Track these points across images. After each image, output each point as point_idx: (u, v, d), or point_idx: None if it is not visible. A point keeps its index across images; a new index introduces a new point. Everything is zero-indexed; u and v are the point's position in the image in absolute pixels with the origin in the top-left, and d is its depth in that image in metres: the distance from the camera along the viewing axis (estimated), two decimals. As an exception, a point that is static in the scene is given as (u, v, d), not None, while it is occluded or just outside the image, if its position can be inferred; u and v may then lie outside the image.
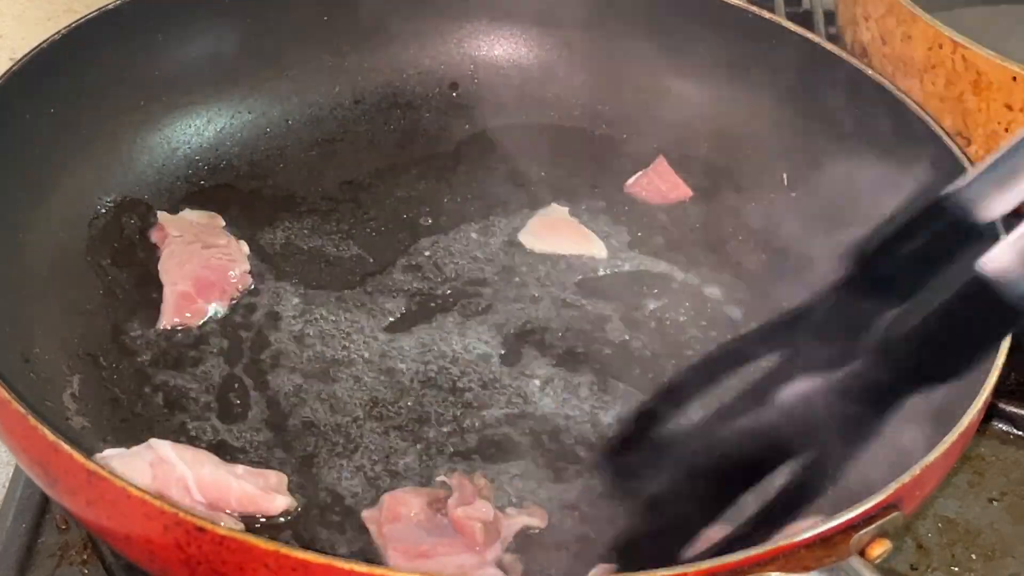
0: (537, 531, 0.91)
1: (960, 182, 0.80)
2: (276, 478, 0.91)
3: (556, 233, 1.12)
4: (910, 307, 0.78)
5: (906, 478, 0.80)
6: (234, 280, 1.04)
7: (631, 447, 0.89)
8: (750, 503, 0.80)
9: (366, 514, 0.90)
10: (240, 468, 0.91)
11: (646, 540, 0.83)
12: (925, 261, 0.79)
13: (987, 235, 0.78)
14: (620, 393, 1.01)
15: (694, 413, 0.86)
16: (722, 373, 0.86)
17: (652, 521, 0.83)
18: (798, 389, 0.80)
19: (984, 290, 0.73)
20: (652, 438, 0.86)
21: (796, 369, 0.80)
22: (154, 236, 1.07)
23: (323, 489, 0.92)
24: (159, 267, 1.04)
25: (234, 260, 1.05)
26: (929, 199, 0.80)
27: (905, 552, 0.97)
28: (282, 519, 0.89)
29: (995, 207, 0.79)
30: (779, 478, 0.79)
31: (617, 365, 1.03)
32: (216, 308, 1.03)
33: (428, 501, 0.90)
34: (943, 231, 0.79)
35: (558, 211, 1.14)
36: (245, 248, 1.07)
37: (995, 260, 0.73)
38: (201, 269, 1.04)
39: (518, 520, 0.90)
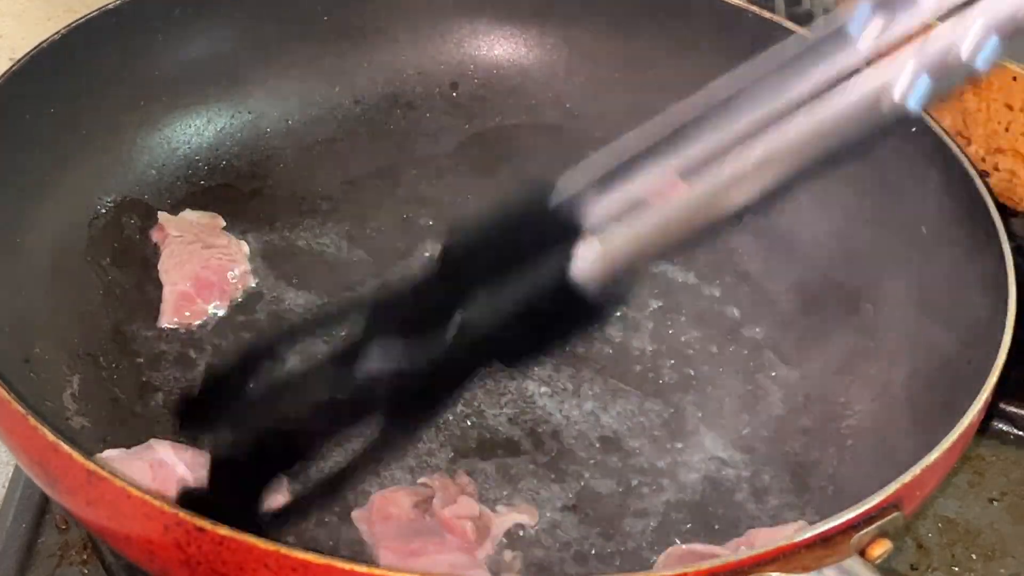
0: (534, 530, 0.91)
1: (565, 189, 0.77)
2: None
3: None
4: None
5: (907, 478, 0.79)
6: (234, 280, 1.04)
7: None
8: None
9: (356, 514, 0.90)
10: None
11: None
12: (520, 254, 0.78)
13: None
14: (621, 393, 1.01)
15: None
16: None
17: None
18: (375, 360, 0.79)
19: (568, 291, 0.74)
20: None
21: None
22: (154, 236, 1.07)
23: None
24: (159, 267, 1.04)
25: (234, 260, 1.05)
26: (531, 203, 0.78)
27: (905, 552, 0.97)
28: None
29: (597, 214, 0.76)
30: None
31: (617, 365, 1.03)
32: (215, 308, 1.03)
33: (415, 501, 0.90)
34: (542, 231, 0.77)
35: None
36: (246, 248, 1.07)
37: (580, 264, 0.74)
38: (201, 269, 1.04)
39: (508, 518, 0.91)
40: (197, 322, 1.02)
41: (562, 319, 0.77)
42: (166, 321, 1.02)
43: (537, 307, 0.76)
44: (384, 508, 0.89)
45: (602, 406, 1.00)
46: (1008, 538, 1.00)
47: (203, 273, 1.04)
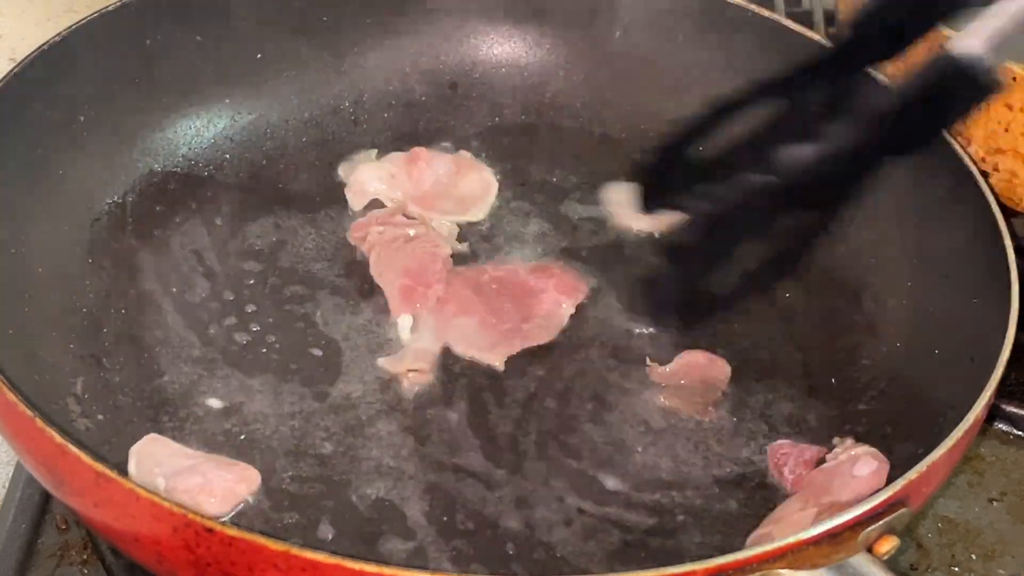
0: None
1: None
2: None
3: None
4: (889, 84, 0.88)
5: (912, 475, 0.80)
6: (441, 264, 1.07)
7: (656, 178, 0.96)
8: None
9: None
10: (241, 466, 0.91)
11: (670, 271, 0.95)
12: (907, 28, 0.88)
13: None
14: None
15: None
16: (724, 121, 0.93)
17: (674, 252, 0.95)
18: (791, 152, 0.88)
19: (954, 68, 0.82)
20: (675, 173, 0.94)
21: (788, 133, 0.89)
22: (352, 237, 1.09)
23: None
24: (372, 272, 1.07)
25: (436, 245, 1.09)
26: None
27: (905, 552, 0.98)
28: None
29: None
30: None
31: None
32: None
33: None
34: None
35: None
36: (445, 230, 1.11)
37: (963, 41, 0.81)
38: (410, 263, 1.06)
39: None
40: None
41: (952, 98, 0.85)
42: (397, 313, 1.04)
43: (929, 89, 0.84)
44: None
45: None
46: (1008, 538, 1.00)
47: (412, 266, 1.06)
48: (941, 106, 0.85)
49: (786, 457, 0.95)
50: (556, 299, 1.06)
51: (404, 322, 1.03)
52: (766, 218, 0.89)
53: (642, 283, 1.01)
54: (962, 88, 0.83)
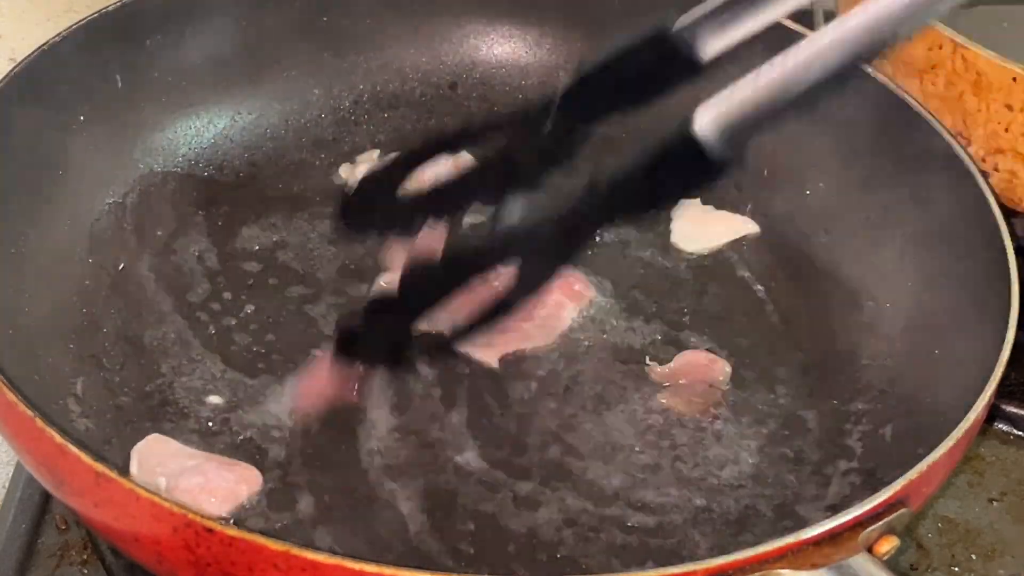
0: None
1: (686, 18, 0.83)
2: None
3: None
4: (623, 149, 0.83)
5: (913, 475, 0.80)
6: None
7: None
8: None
9: None
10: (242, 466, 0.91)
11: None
12: (641, 88, 0.86)
13: (705, 75, 0.83)
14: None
15: None
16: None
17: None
18: (517, 206, 0.87)
19: (690, 144, 0.78)
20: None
21: (517, 187, 0.88)
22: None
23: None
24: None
25: None
26: (653, 29, 0.84)
27: (905, 552, 0.97)
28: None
29: (713, 46, 0.82)
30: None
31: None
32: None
33: None
34: (663, 61, 0.84)
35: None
36: None
37: (701, 119, 0.78)
38: None
39: None
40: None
41: (683, 172, 0.81)
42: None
43: (663, 161, 0.80)
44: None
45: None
46: (1008, 538, 1.00)
47: None
48: (674, 179, 0.82)
49: None
50: (559, 301, 1.05)
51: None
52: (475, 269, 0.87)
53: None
54: (698, 164, 0.79)
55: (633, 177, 0.82)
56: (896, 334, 1.02)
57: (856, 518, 0.77)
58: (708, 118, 0.77)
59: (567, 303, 1.06)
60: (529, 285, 0.86)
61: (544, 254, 0.86)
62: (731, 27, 0.82)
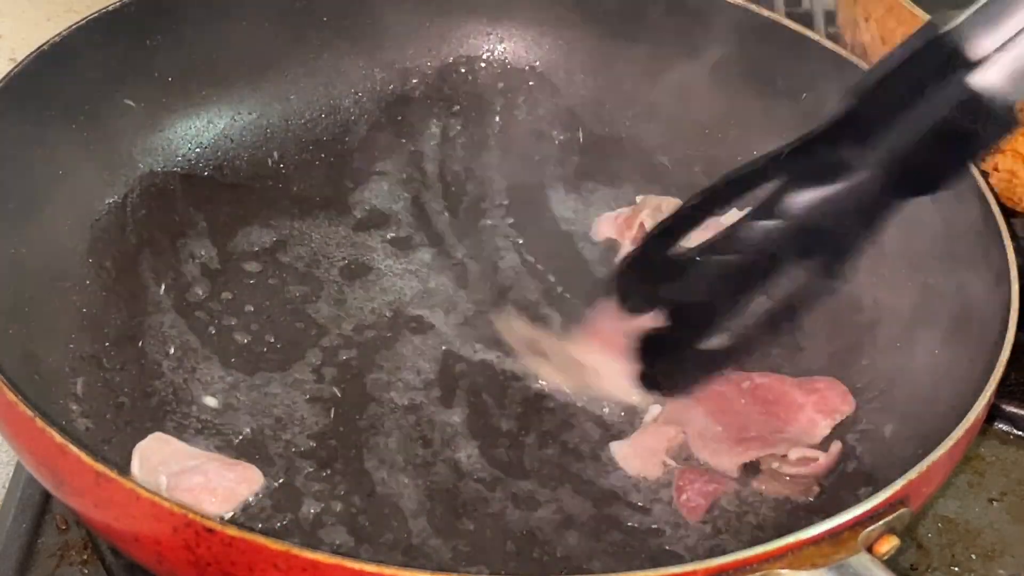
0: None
1: (953, 22, 0.82)
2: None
3: None
4: (905, 125, 0.83)
5: (913, 474, 0.80)
6: None
7: (647, 266, 0.94)
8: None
9: None
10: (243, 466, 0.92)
11: (666, 338, 0.92)
12: (920, 93, 0.83)
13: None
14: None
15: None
16: (733, 198, 0.91)
17: (672, 321, 0.91)
18: (802, 199, 0.86)
19: (973, 104, 0.79)
20: (666, 256, 0.91)
21: (799, 185, 0.86)
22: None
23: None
24: None
25: None
26: (924, 38, 0.83)
27: (905, 552, 0.97)
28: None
29: (986, 44, 0.81)
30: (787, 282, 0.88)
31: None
32: None
33: None
34: (937, 66, 0.82)
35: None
36: None
37: (984, 77, 0.79)
38: None
39: None
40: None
41: (972, 136, 0.82)
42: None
43: (947, 129, 0.81)
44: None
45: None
46: (1008, 538, 1.00)
47: None
48: (960, 145, 0.83)
49: (690, 483, 0.94)
50: (812, 418, 0.98)
51: (653, 411, 1.00)
52: (768, 271, 0.88)
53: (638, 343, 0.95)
54: (982, 126, 0.80)
55: (918, 151, 0.82)
56: (896, 334, 1.02)
57: (856, 518, 0.77)
58: (990, 75, 0.79)
59: (821, 419, 0.99)
60: (821, 282, 0.88)
61: (835, 246, 0.86)
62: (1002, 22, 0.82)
